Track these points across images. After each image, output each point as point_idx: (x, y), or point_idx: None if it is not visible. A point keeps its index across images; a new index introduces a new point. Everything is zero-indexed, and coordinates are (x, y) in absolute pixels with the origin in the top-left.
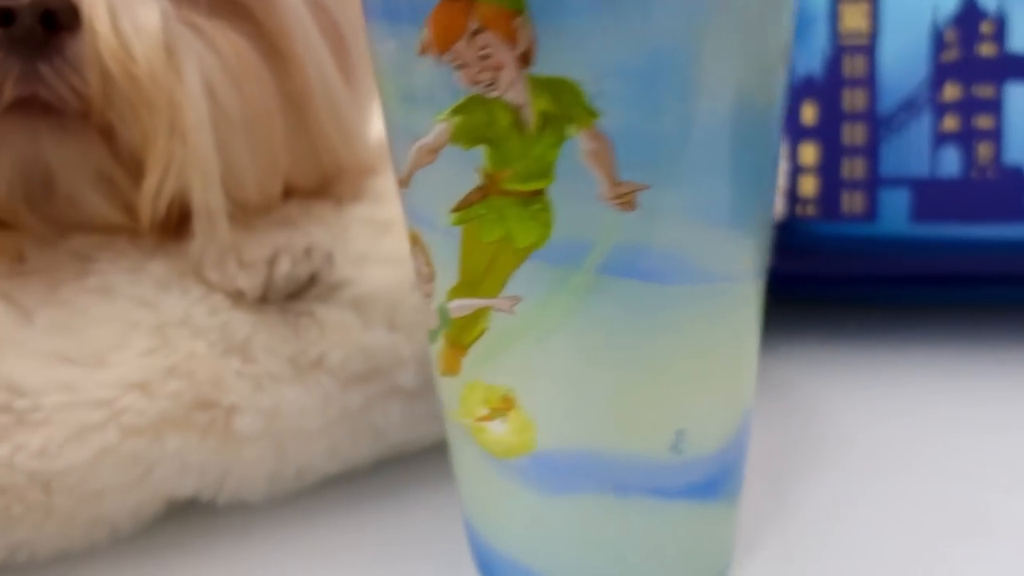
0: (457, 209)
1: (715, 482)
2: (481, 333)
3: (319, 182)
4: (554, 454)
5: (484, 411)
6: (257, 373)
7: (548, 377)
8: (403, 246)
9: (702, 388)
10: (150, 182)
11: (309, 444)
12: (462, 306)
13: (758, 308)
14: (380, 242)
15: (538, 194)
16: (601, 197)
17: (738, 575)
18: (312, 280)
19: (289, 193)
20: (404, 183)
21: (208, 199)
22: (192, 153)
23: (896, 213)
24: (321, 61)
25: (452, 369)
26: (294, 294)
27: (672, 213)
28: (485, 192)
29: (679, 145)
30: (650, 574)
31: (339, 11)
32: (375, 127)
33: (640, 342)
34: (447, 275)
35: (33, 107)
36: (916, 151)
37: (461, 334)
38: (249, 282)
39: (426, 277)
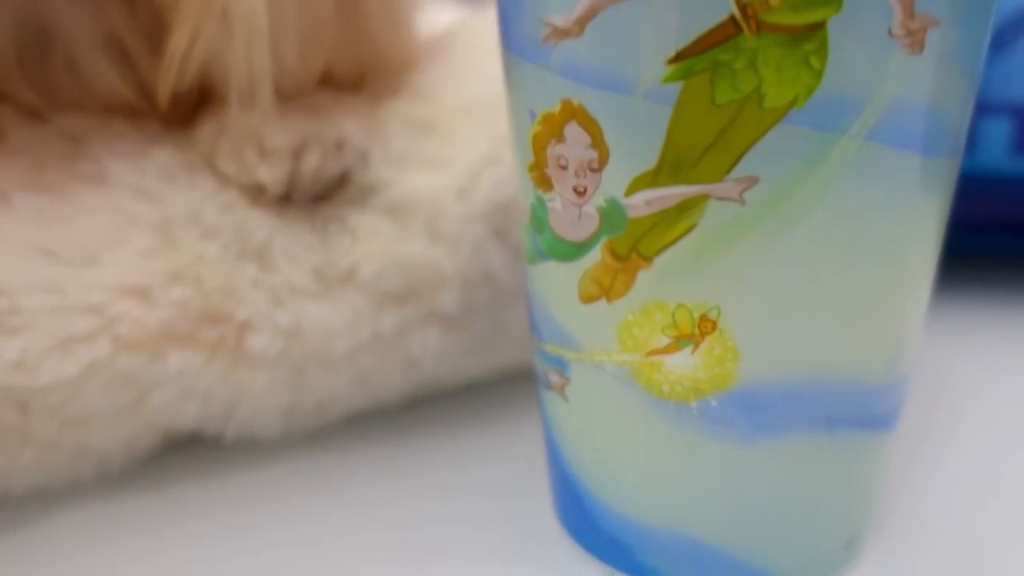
0: (682, 57)
1: (900, 408)
2: (682, 234)
3: (356, 72)
4: (760, 388)
5: (664, 341)
6: (276, 284)
7: (770, 287)
8: (448, 148)
9: (924, 284)
10: (178, 39)
11: (333, 372)
12: (659, 198)
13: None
14: (421, 143)
15: (815, 29)
16: (891, 33)
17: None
18: (343, 179)
19: (323, 82)
20: (571, 30)
21: (252, 59)
22: (236, 2)
23: (995, 145)
24: None
25: (614, 290)
26: (322, 194)
27: (952, 62)
28: (737, 28)
29: None
30: (833, 520)
31: None
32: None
33: (891, 229)
34: (633, 157)
35: None
36: (1020, 74)
37: (646, 239)
38: (271, 174)
39: (586, 166)
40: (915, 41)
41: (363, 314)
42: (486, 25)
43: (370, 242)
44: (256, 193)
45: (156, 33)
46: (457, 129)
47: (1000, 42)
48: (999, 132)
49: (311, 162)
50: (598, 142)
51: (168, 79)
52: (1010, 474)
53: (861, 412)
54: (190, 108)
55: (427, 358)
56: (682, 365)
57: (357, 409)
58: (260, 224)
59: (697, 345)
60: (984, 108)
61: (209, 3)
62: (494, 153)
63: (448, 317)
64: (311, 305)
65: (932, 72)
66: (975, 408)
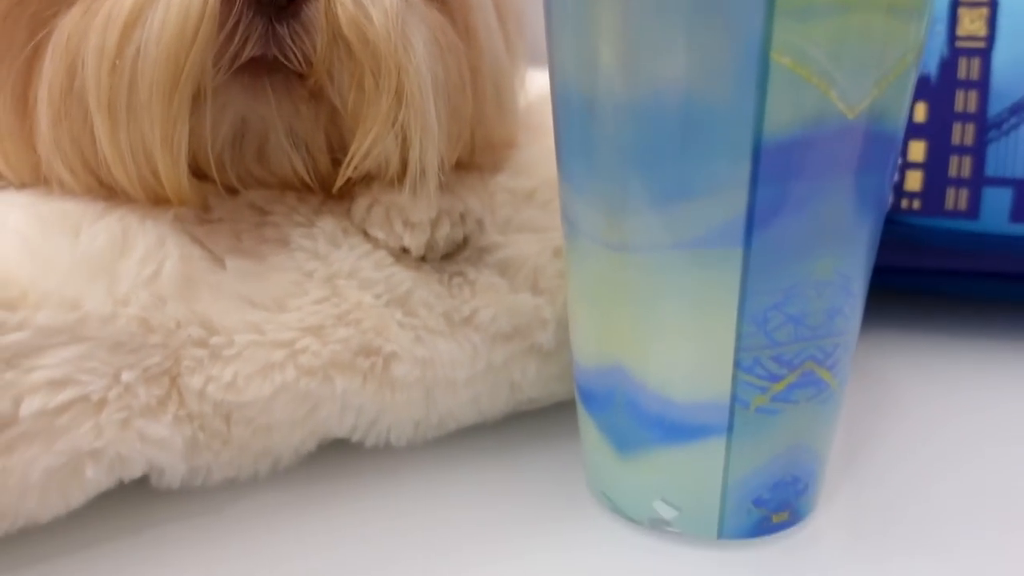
0: None
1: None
2: None
3: (470, 155)
4: None
5: None
6: (416, 325)
7: None
8: (545, 215)
9: None
10: (362, 143)
11: (455, 394)
12: None
13: None
14: (523, 210)
15: None
16: None
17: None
18: (465, 242)
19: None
20: None
21: (426, 158)
22: (416, 113)
23: (998, 212)
24: (493, 36)
25: None
26: (448, 255)
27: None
28: None
29: None
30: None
31: None
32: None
33: None
34: None
35: (260, 66)
36: (1022, 153)
37: None
38: (414, 241)
39: None
40: None
41: (480, 349)
42: None
43: (487, 293)
44: (400, 253)
45: (332, 134)
46: (552, 199)
47: (1007, 125)
48: (1003, 201)
49: (443, 230)
50: None
51: (345, 173)
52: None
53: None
54: (349, 187)
55: (527, 383)
56: None
57: (468, 424)
58: (404, 278)
59: None
60: (990, 180)
61: (389, 119)
62: None
63: (545, 351)
64: (441, 342)
65: None
66: (927, 424)
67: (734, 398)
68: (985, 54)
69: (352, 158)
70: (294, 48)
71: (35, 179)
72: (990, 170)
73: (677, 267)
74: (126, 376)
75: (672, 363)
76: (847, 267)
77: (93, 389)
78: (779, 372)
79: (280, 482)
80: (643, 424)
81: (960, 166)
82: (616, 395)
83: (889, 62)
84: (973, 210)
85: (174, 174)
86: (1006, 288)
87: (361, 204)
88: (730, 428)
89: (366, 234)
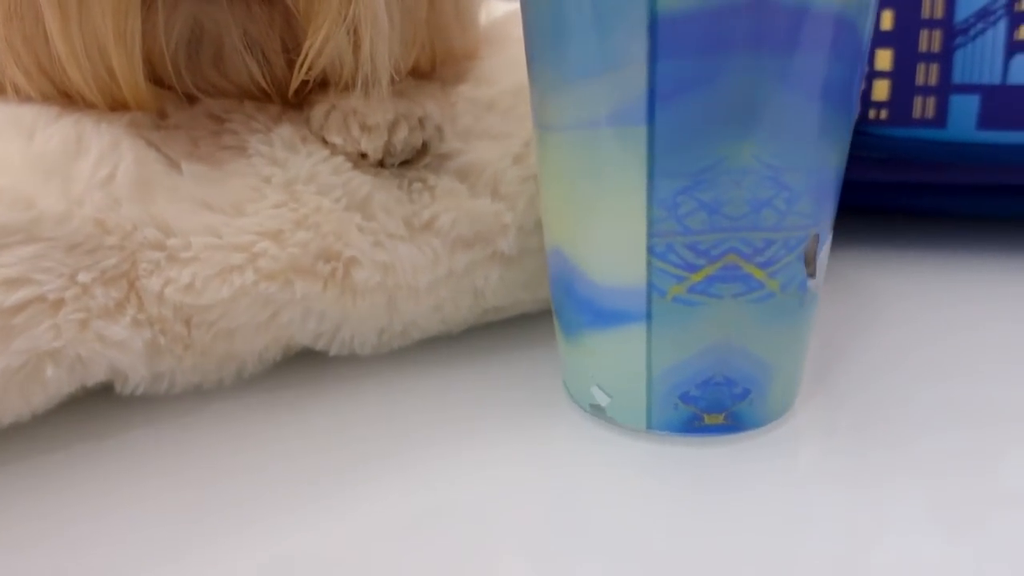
0: None
1: None
2: None
3: (432, 63)
4: None
5: None
6: (376, 229)
7: None
8: (505, 122)
9: None
10: (311, 43)
11: (417, 300)
12: None
13: None
14: (483, 118)
15: None
16: None
17: (800, 409)
18: (424, 148)
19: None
20: None
21: (377, 55)
22: (366, 9)
23: (966, 119)
24: None
25: None
26: (407, 160)
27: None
28: None
29: None
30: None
31: None
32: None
33: None
34: None
35: None
36: (989, 59)
37: None
38: (371, 144)
39: None
40: None
41: (440, 254)
42: None
43: (446, 198)
44: (358, 159)
45: (287, 36)
46: (513, 107)
47: (973, 31)
48: (969, 108)
49: (401, 134)
50: None
51: (299, 75)
52: (922, 358)
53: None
54: (305, 94)
55: (489, 291)
56: None
57: (432, 333)
58: (362, 183)
59: None
60: (957, 87)
61: (340, 16)
62: None
63: (507, 257)
64: (402, 246)
65: None
66: (894, 327)
67: (650, 285)
68: None
69: (305, 57)
70: None
71: None
72: (957, 77)
73: (590, 146)
74: (83, 277)
75: (594, 246)
76: (772, 156)
77: (49, 289)
78: (696, 262)
79: (246, 390)
80: (578, 307)
81: (927, 74)
82: (560, 278)
83: None
84: (941, 118)
85: (129, 72)
86: (975, 202)
87: (319, 111)
88: (648, 316)
89: (324, 141)
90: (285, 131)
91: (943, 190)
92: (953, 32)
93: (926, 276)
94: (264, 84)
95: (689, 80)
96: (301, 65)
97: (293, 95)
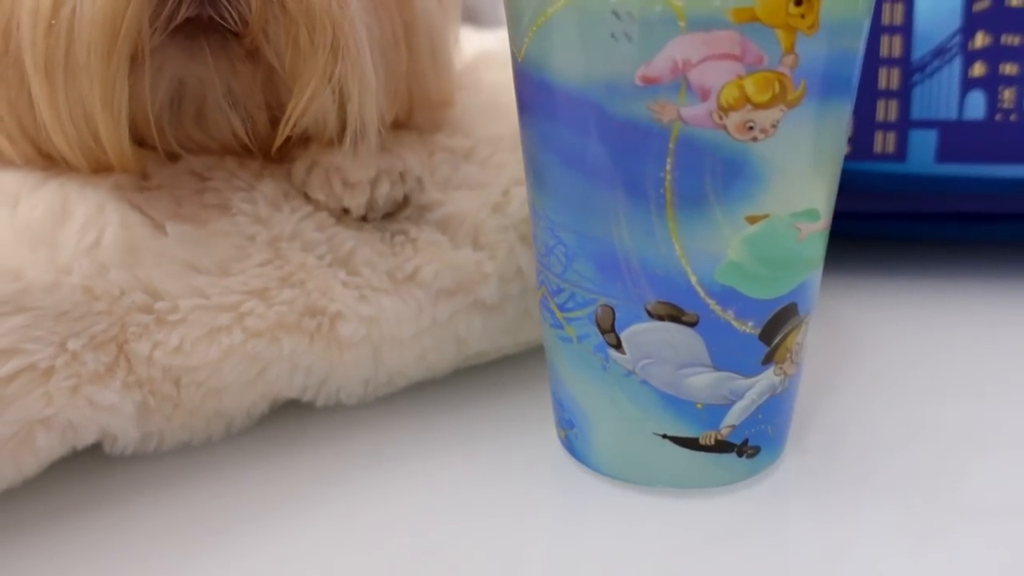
0: None
1: None
2: None
3: (407, 114)
4: None
5: None
6: (360, 284)
7: None
8: (483, 172)
9: None
10: (299, 100)
11: (402, 351)
12: None
13: None
14: (461, 168)
15: None
16: None
17: (791, 450)
18: (405, 200)
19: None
20: None
21: (365, 112)
22: (353, 67)
23: (925, 153)
24: None
25: None
26: (390, 213)
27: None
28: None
29: None
30: None
31: None
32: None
33: None
34: None
35: (196, 27)
36: (945, 95)
37: None
38: (354, 200)
39: None
40: None
41: (424, 306)
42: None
43: (428, 250)
44: (341, 214)
45: (270, 93)
46: (490, 157)
47: (930, 69)
48: (928, 142)
49: (383, 189)
50: None
51: (284, 132)
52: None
53: None
54: (287, 149)
55: (472, 338)
56: None
57: (417, 380)
58: (346, 238)
59: None
60: (916, 123)
61: (326, 74)
62: (520, 175)
63: (488, 305)
64: (386, 299)
65: None
66: (870, 354)
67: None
68: (908, 0)
69: (290, 116)
70: (228, 7)
71: None
72: (916, 113)
73: None
74: (72, 344)
75: None
76: (548, 209)
77: (40, 358)
78: (539, 278)
79: (234, 445)
80: None
81: (887, 110)
82: None
83: (529, 14)
84: (901, 152)
85: (115, 136)
86: (934, 230)
87: (300, 166)
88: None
89: (307, 196)
90: (268, 188)
91: (905, 217)
92: (911, 70)
93: (892, 301)
94: (247, 141)
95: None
96: (286, 123)
97: (275, 151)
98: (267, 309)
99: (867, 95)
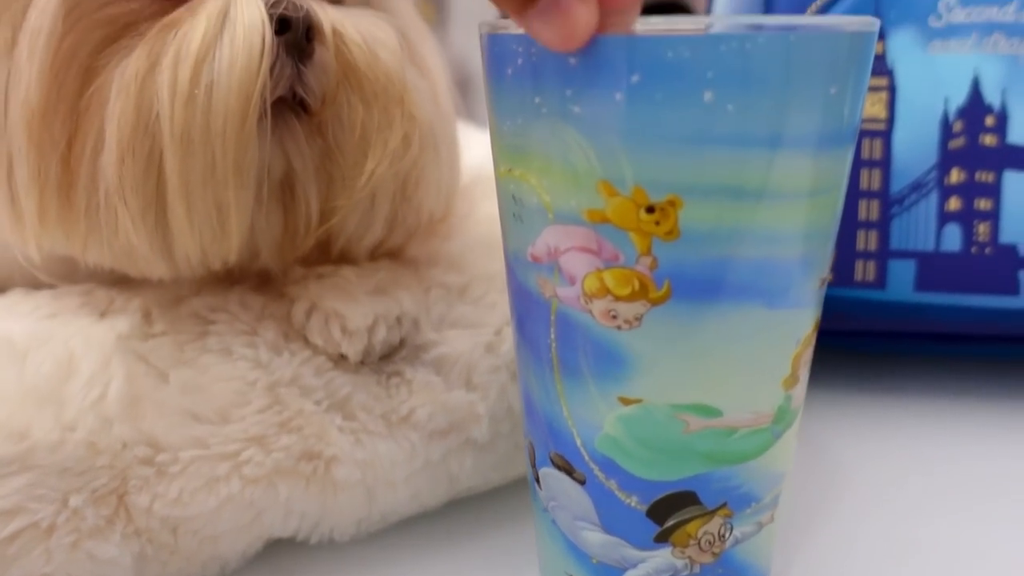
0: None
1: None
2: None
3: (405, 237)
4: None
5: None
6: (356, 428)
7: None
8: (477, 311)
9: None
10: (371, 164)
11: (395, 492)
12: None
13: None
14: (456, 306)
15: None
16: None
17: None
18: (401, 343)
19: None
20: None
21: (439, 170)
22: (424, 130)
23: (904, 282)
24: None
25: None
26: (385, 356)
27: None
28: None
29: None
30: None
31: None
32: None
33: None
34: None
35: (283, 107)
36: (923, 227)
37: None
38: (352, 348)
39: None
40: None
41: (418, 448)
42: None
43: (423, 392)
44: (339, 358)
45: (322, 179)
46: (484, 295)
47: (908, 202)
48: (907, 272)
49: (380, 335)
50: None
51: (307, 244)
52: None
53: None
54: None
55: (464, 475)
56: None
57: (408, 515)
58: (343, 383)
59: None
60: (894, 253)
61: (400, 133)
62: None
63: (480, 444)
64: (381, 443)
65: None
66: (849, 477)
67: None
68: (886, 135)
69: (364, 180)
70: (315, 87)
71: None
72: (894, 243)
73: None
74: (74, 500)
75: None
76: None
77: (42, 516)
78: None
79: None
80: None
81: (867, 240)
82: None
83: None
84: (880, 281)
85: (243, 201)
86: (911, 347)
87: (300, 308)
88: None
89: (308, 340)
90: (269, 331)
91: (886, 335)
92: (889, 202)
93: (873, 416)
94: (301, 230)
95: None
96: (353, 186)
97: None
98: (265, 456)
99: (848, 225)
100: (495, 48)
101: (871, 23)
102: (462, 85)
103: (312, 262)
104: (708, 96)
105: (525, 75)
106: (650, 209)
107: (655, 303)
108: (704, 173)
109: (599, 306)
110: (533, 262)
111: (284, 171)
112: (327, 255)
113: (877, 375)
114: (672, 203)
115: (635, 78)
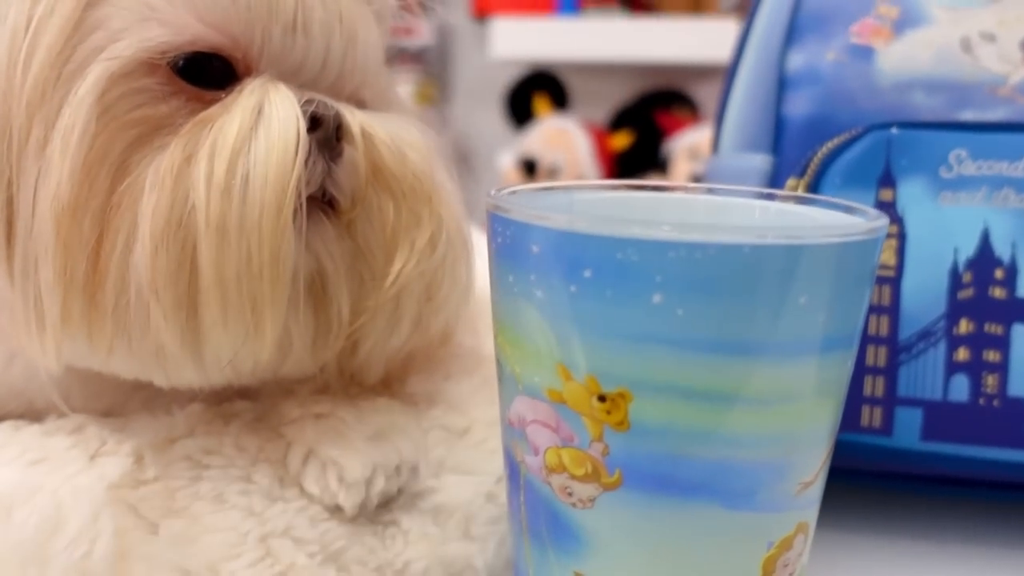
0: None
1: None
2: None
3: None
4: None
5: None
6: None
7: None
8: (478, 456)
9: None
10: (399, 263)
11: None
12: None
13: None
14: (456, 450)
15: None
16: None
17: None
18: (399, 492)
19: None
20: None
21: (461, 271)
22: (451, 230)
23: (910, 430)
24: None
25: None
26: (382, 504)
27: None
28: None
29: None
30: None
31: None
32: None
33: None
34: None
35: (313, 206)
36: (930, 376)
37: None
38: (349, 500)
39: None
40: None
41: None
42: None
43: (419, 543)
44: (335, 508)
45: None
46: (485, 440)
47: (915, 350)
48: (913, 420)
49: (378, 486)
50: None
51: (337, 345)
52: None
53: None
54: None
55: None
56: None
57: None
58: (338, 535)
59: None
60: (902, 400)
61: (428, 229)
62: None
63: None
64: None
65: None
66: None
67: None
68: (895, 282)
69: (392, 277)
70: (345, 185)
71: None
72: (902, 391)
73: None
74: None
75: None
76: None
77: None
78: None
79: None
80: None
81: (874, 386)
82: None
83: None
84: (887, 427)
85: (279, 292)
86: (917, 489)
87: (297, 454)
88: None
89: (303, 488)
90: (264, 477)
91: (887, 478)
92: (897, 349)
93: (879, 557)
94: (335, 329)
95: None
96: (389, 280)
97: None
98: None
99: (856, 370)
100: (489, 223)
101: (850, 231)
102: (461, 161)
103: (332, 372)
104: (657, 298)
105: (503, 254)
106: (602, 398)
107: (607, 488)
108: (653, 371)
109: (557, 481)
110: (509, 426)
111: (315, 270)
112: (351, 360)
113: (887, 512)
114: (622, 395)
115: (587, 273)
